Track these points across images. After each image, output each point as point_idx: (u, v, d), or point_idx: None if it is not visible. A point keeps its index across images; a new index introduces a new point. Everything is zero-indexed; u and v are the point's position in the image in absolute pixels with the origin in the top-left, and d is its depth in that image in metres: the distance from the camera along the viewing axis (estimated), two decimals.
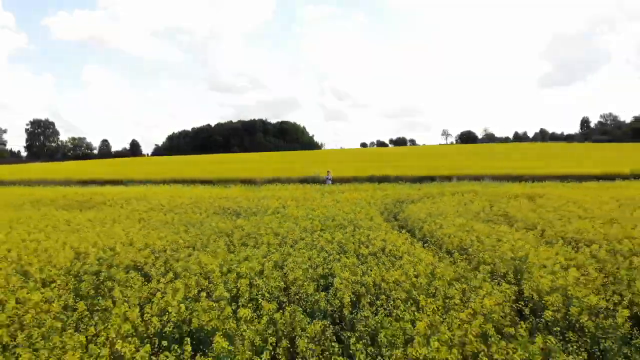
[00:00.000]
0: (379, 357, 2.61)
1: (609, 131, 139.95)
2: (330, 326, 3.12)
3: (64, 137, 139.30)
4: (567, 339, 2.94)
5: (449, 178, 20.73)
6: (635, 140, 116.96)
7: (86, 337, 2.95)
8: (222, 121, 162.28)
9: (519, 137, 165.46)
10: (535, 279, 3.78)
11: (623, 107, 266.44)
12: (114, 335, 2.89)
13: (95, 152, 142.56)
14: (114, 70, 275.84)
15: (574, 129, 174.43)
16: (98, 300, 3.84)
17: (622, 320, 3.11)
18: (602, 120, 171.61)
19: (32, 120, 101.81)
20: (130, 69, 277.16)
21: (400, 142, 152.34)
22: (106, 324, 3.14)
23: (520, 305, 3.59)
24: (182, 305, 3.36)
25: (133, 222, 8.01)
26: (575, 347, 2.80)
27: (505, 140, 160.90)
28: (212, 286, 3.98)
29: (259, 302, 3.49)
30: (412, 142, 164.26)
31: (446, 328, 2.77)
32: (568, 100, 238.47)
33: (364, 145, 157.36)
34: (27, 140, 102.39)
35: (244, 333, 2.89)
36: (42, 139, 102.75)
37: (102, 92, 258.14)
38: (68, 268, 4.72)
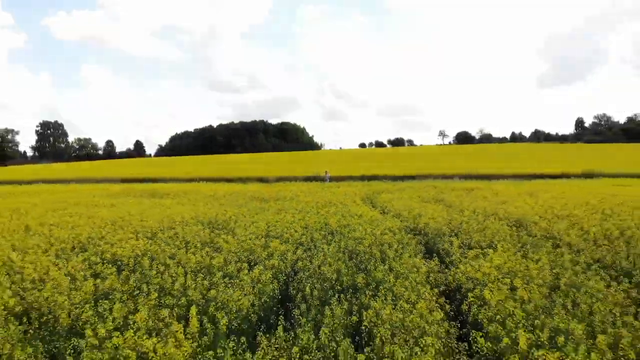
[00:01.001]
0: (346, 237, 7.15)
1: (601, 132, 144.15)
2: (327, 235, 7.67)
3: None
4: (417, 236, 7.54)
5: (426, 177, 25.32)
6: (628, 140, 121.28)
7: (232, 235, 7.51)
8: (224, 122, 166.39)
9: (515, 138, 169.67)
10: (418, 218, 8.37)
11: (622, 106, 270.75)
12: (246, 232, 7.47)
13: (100, 152, 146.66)
14: (113, 70, 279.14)
15: (572, 128, 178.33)
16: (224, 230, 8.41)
17: (445, 230, 7.65)
18: (596, 121, 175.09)
19: (41, 122, 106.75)
20: (129, 69, 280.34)
21: (398, 142, 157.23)
22: (235, 231, 7.70)
23: (409, 228, 8.19)
24: (266, 226, 7.94)
25: (202, 204, 12.55)
26: (417, 241, 7.36)
27: (502, 140, 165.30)
28: (272, 227, 8.50)
29: (295, 230, 8.00)
30: (410, 142, 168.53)
31: (371, 230, 7.33)
32: (567, 99, 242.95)
33: (362, 145, 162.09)
34: (36, 142, 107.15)
35: (293, 235, 7.44)
36: (52, 140, 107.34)
37: (101, 91, 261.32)
38: (197, 219, 9.27)
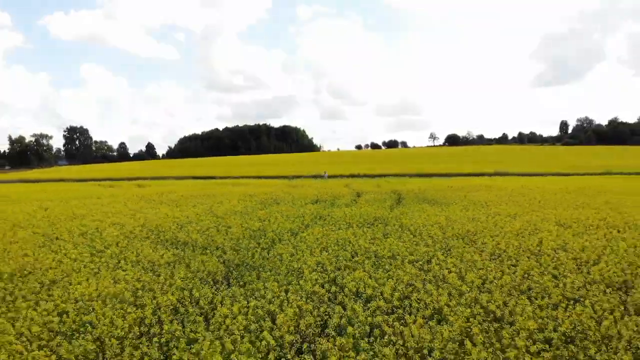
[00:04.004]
0: (332, 195, 22.03)
1: (576, 135, 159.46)
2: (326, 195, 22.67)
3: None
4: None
5: (388, 175, 40.35)
6: (598, 143, 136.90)
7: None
8: (229, 125, 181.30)
9: (501, 140, 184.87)
10: (360, 190, 23.43)
11: (620, 107, 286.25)
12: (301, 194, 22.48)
13: (115, 154, 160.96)
14: (112, 69, 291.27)
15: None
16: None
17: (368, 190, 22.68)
18: (579, 123, 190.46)
19: (68, 127, 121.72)
20: (128, 68, 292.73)
21: (392, 144, 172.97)
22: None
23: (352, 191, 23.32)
24: (305, 193, 22.98)
25: (268, 188, 27.45)
26: (355, 193, 22.37)
27: (490, 142, 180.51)
28: (306, 193, 23.41)
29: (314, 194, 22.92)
30: (404, 144, 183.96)
31: (341, 191, 22.29)
32: (563, 100, 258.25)
33: (358, 147, 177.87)
34: (64, 145, 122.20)
35: (312, 194, 22.42)
36: (78, 144, 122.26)
37: (99, 90, 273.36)
38: (277, 190, 24.23)
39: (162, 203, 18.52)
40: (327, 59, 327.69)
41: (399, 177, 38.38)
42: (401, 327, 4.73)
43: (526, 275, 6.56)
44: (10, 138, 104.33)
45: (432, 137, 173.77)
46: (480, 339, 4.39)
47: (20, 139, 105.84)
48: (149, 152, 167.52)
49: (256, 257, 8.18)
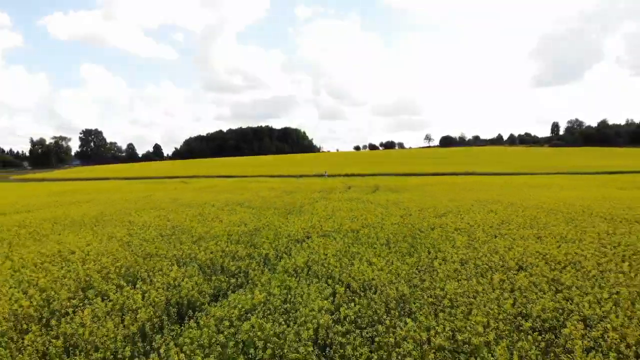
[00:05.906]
0: (330, 185, 32.08)
1: (565, 137, 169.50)
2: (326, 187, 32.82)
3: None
4: None
5: (377, 174, 50.40)
6: (584, 144, 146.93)
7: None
8: (229, 125, 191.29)
9: (494, 140, 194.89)
10: (351, 184, 33.53)
11: (618, 107, 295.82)
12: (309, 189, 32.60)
13: (124, 154, 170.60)
14: (110, 69, 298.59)
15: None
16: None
17: (356, 185, 32.76)
18: (569, 125, 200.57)
19: (84, 129, 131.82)
20: (126, 68, 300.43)
21: (389, 145, 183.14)
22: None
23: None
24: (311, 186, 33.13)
25: (282, 184, 37.50)
26: (347, 186, 32.47)
27: (488, 142, 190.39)
28: (319, 183, 33.46)
29: (319, 186, 32.96)
30: (401, 144, 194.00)
31: (337, 185, 32.36)
32: (562, 100, 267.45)
33: (357, 148, 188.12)
34: (79, 147, 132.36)
35: (318, 187, 32.52)
36: (93, 146, 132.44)
37: (99, 90, 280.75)
38: (289, 185, 34.31)
39: (218, 192, 28.60)
40: (326, 59, 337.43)
41: (385, 175, 48.46)
42: (351, 223, 14.81)
43: (409, 213, 16.66)
44: (31, 140, 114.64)
45: (428, 138, 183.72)
46: (374, 220, 14.44)
47: (41, 140, 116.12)
48: (156, 153, 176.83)
49: (296, 210, 18.29)
